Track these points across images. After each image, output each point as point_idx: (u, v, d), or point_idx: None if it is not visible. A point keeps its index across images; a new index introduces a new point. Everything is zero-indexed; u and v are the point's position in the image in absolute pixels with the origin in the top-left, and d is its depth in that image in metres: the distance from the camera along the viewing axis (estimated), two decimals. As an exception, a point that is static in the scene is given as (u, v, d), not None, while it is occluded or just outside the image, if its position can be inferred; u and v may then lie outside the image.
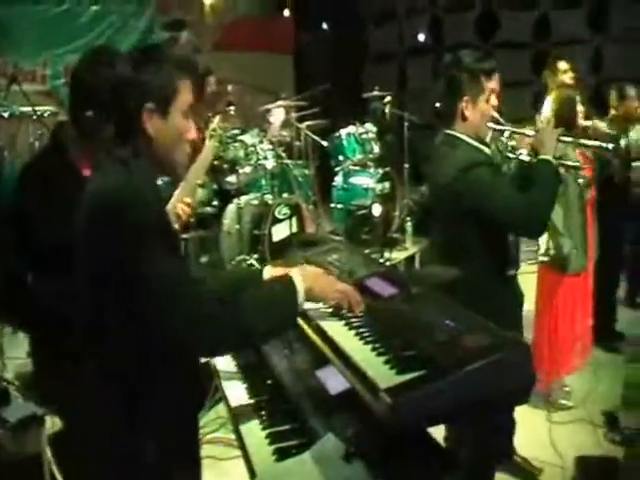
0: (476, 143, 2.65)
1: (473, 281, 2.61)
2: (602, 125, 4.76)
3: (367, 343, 1.80)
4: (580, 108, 3.93)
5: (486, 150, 2.68)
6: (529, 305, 4.03)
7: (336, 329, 1.90)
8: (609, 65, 9.36)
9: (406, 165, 6.75)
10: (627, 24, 9.29)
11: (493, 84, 2.93)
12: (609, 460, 2.95)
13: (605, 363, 4.57)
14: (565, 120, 3.82)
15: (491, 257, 2.67)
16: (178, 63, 1.74)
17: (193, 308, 1.62)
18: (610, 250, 4.80)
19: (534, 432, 3.61)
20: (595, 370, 4.24)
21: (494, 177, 2.56)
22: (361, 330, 1.87)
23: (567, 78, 5.00)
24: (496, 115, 2.73)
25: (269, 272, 2.01)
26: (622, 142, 4.74)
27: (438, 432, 2.73)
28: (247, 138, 5.72)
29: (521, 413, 3.84)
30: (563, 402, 4.04)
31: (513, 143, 2.93)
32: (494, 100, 2.90)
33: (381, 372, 1.63)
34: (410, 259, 6.17)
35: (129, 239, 1.55)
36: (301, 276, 1.82)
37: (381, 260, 5.20)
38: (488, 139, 2.80)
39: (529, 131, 2.72)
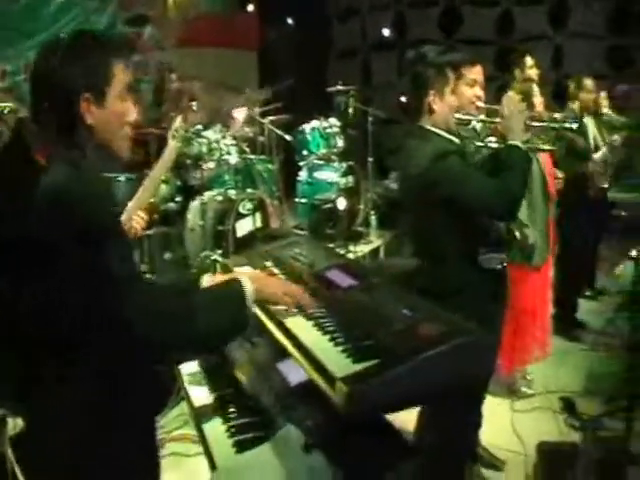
0: (445, 134, 2.69)
1: (446, 270, 2.68)
2: (556, 116, 4.81)
3: (325, 334, 1.80)
4: (538, 99, 3.99)
5: (455, 140, 2.71)
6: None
7: (294, 321, 1.90)
8: (569, 61, 9.49)
9: (370, 159, 6.77)
10: (586, 20, 9.44)
11: (474, 74, 2.97)
12: (568, 445, 3.01)
13: (566, 351, 4.66)
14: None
15: (464, 246, 2.69)
16: (109, 44, 1.68)
17: (146, 307, 1.58)
18: (574, 241, 4.89)
19: (497, 421, 3.65)
20: (556, 358, 4.31)
21: (465, 165, 2.60)
22: (319, 321, 1.88)
23: (533, 74, 5.07)
24: (481, 105, 2.76)
25: (207, 281, 1.96)
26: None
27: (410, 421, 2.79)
28: (210, 134, 5.69)
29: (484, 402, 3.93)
30: (525, 390, 4.10)
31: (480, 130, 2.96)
32: (478, 90, 2.94)
33: (338, 362, 1.64)
34: (375, 252, 6.21)
35: (78, 236, 1.50)
36: (251, 279, 1.79)
37: (342, 252, 5.21)
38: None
39: (497, 119, 2.75)
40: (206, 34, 8.98)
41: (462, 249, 2.69)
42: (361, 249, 6.04)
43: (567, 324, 5.00)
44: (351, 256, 5.49)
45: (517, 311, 3.96)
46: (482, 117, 2.80)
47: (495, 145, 2.82)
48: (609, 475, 2.93)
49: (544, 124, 2.77)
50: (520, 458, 3.35)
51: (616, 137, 5.53)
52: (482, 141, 2.88)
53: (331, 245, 5.58)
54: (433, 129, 2.68)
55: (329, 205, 6.04)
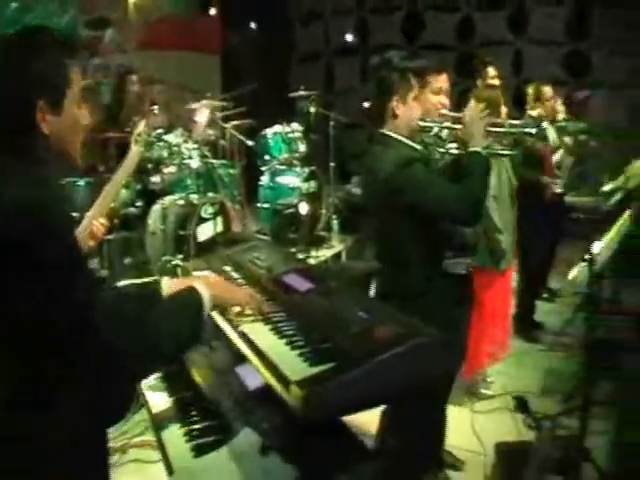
0: (408, 141, 2.71)
1: (410, 274, 2.71)
2: (520, 123, 4.90)
3: (282, 337, 1.82)
4: (504, 109, 4.05)
5: (417, 147, 2.74)
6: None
7: (252, 325, 1.92)
8: (529, 66, 9.64)
9: (332, 164, 6.80)
10: (545, 26, 9.60)
11: (440, 82, 3.01)
12: (523, 444, 3.07)
13: (525, 352, 4.73)
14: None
15: (428, 251, 2.73)
16: (65, 46, 1.55)
17: (104, 317, 1.54)
18: (532, 244, 4.98)
19: (457, 422, 3.69)
20: (515, 359, 4.38)
21: (428, 172, 2.63)
22: (277, 325, 1.89)
23: (495, 83, 5.14)
24: (446, 112, 2.80)
25: (168, 284, 1.95)
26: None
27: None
28: (171, 138, 5.66)
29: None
30: (485, 392, 4.15)
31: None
32: (443, 99, 2.98)
33: (294, 365, 1.65)
34: (337, 256, 6.23)
35: (30, 247, 1.43)
36: (204, 285, 1.78)
37: (304, 257, 5.23)
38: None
39: (458, 125, 2.79)
40: (168, 37, 8.92)
41: (426, 254, 2.72)
42: (323, 254, 6.06)
43: (526, 325, 5.09)
44: (313, 261, 5.51)
45: (482, 315, 4.02)
46: (444, 124, 2.84)
47: (456, 151, 2.87)
48: (565, 472, 2.99)
49: (505, 130, 2.82)
50: (479, 458, 3.40)
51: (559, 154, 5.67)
52: (444, 147, 2.92)
53: (293, 250, 5.60)
54: (395, 136, 2.70)
55: (291, 210, 6.04)
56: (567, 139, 5.58)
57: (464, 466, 3.41)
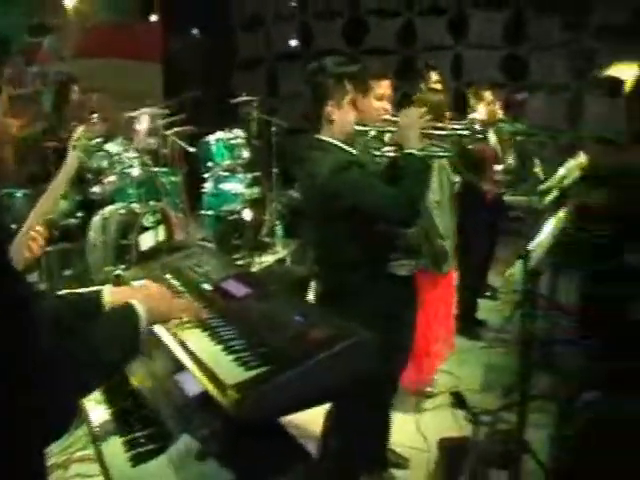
0: (343, 145, 2.74)
1: (350, 277, 2.73)
2: (461, 126, 4.99)
3: (218, 343, 1.83)
4: (447, 114, 4.13)
5: (353, 151, 2.77)
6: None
7: (189, 333, 1.93)
8: (469, 69, 9.83)
9: (275, 169, 6.81)
10: (484, 30, 9.81)
11: (382, 88, 3.05)
12: (461, 439, 3.13)
13: (467, 350, 4.83)
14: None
15: (369, 254, 2.76)
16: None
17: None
18: (474, 246, 5.08)
19: (402, 421, 3.75)
20: (458, 357, 4.47)
21: (364, 175, 2.66)
22: (214, 331, 1.91)
23: (438, 87, 5.23)
24: (389, 117, 2.84)
25: (109, 292, 1.93)
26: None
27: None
28: (111, 146, 5.60)
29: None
30: (429, 390, 4.22)
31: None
32: (386, 104, 3.02)
33: (230, 370, 1.67)
34: (281, 262, 6.24)
35: None
36: (142, 300, 1.76)
37: (247, 263, 5.24)
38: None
39: (393, 128, 2.84)
40: (108, 44, 8.80)
41: (366, 256, 2.76)
42: (267, 259, 6.07)
43: (468, 323, 5.19)
44: (257, 267, 5.52)
45: (427, 316, 4.08)
46: (379, 128, 2.89)
47: (392, 154, 2.91)
48: (507, 466, 3.07)
49: (439, 133, 2.88)
50: (424, 455, 3.46)
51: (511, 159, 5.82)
52: (381, 151, 2.96)
53: (237, 256, 5.60)
54: (331, 140, 2.72)
55: (235, 216, 6.04)
56: (503, 141, 5.72)
57: (409, 464, 3.47)
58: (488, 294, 6.05)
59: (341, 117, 2.71)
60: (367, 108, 3.11)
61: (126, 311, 1.73)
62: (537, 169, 5.93)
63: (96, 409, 2.28)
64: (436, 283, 4.04)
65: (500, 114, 5.86)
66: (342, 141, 2.74)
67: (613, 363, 3.71)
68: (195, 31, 11.13)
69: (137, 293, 1.89)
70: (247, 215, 5.98)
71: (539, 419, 3.73)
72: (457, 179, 4.56)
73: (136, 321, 1.71)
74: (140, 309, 1.72)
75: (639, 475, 2.74)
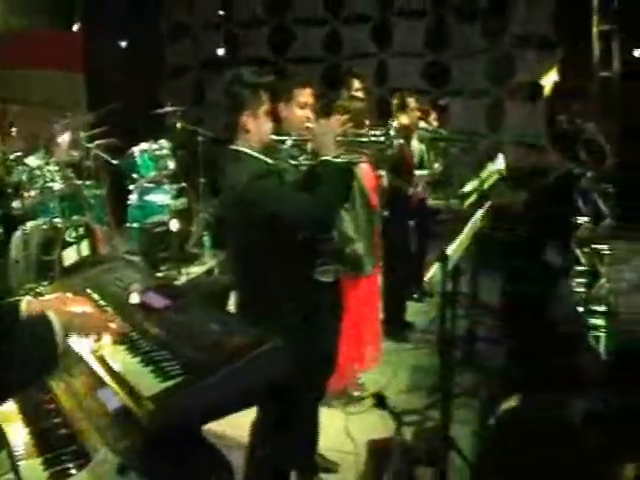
0: (259, 155, 2.75)
1: (272, 288, 2.74)
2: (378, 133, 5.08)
3: (136, 356, 1.85)
4: (366, 121, 4.19)
5: (269, 160, 2.79)
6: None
7: (107, 347, 1.93)
8: (393, 77, 10.00)
9: (202, 180, 6.76)
10: (407, 38, 10.00)
11: (305, 97, 3.08)
12: (389, 440, 3.20)
13: (394, 352, 4.92)
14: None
15: (288, 261, 2.77)
16: None
17: None
18: (397, 249, 5.18)
19: (331, 425, 3.80)
20: (386, 359, 4.54)
21: (279, 184, 2.69)
22: (132, 344, 1.92)
23: (360, 95, 5.29)
24: (311, 125, 2.87)
25: (27, 302, 1.91)
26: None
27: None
28: (32, 160, 5.49)
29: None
30: (357, 394, 4.28)
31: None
32: (308, 112, 3.05)
33: (147, 382, 1.69)
34: (209, 273, 6.20)
35: None
36: (59, 313, 1.75)
37: (166, 274, 5.21)
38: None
39: (309, 136, 2.88)
40: (27, 55, 8.58)
41: (287, 264, 2.77)
42: (194, 270, 6.04)
43: (396, 326, 5.27)
44: (184, 278, 5.48)
45: (350, 320, 4.13)
46: (297, 137, 2.93)
47: (309, 162, 2.96)
48: (433, 462, 3.15)
49: (352, 139, 2.94)
50: (353, 458, 3.50)
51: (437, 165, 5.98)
52: (297, 159, 3.00)
53: (163, 268, 5.56)
54: (246, 150, 2.73)
55: (162, 228, 5.98)
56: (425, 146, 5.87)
57: (338, 467, 3.51)
58: (416, 296, 6.17)
59: (257, 127, 2.72)
60: (290, 116, 3.16)
61: (39, 321, 1.73)
62: (460, 173, 6.13)
63: (15, 430, 2.25)
64: (354, 287, 4.07)
65: (422, 121, 6.00)
66: (258, 151, 2.75)
67: (530, 360, 3.86)
68: (120, 41, 10.97)
69: (55, 304, 1.88)
70: (174, 226, 5.94)
71: (465, 416, 3.85)
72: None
73: (50, 332, 1.69)
74: (55, 320, 1.71)
75: (556, 466, 2.87)
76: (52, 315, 1.74)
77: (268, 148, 2.84)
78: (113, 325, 1.93)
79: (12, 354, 1.61)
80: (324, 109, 4.28)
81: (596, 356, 4.57)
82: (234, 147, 2.75)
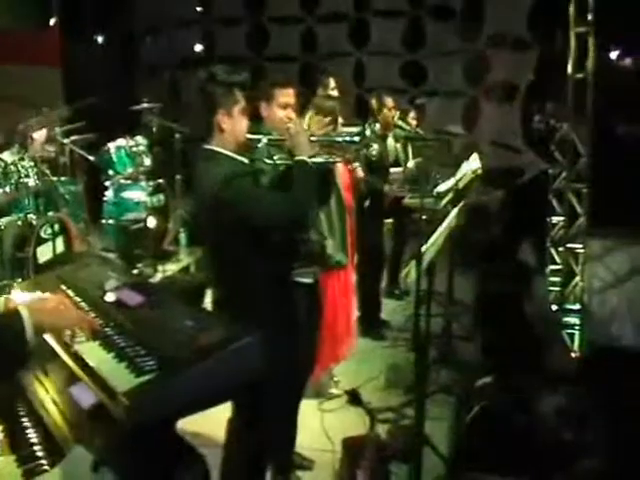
0: (233, 155, 2.72)
1: (248, 287, 2.73)
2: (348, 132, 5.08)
3: (110, 352, 1.85)
4: (340, 120, 4.20)
5: (244, 160, 2.78)
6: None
7: (81, 343, 1.93)
8: (370, 76, 10.03)
9: (178, 177, 6.72)
10: (384, 38, 10.03)
11: (285, 97, 3.08)
12: (361, 436, 3.22)
13: (370, 350, 4.95)
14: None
15: (264, 261, 2.76)
16: None
17: None
18: (372, 247, 5.20)
19: (307, 423, 3.80)
20: (362, 357, 4.56)
21: (254, 184, 2.68)
22: (106, 340, 1.91)
23: (335, 94, 5.30)
24: (292, 126, 2.88)
25: (7, 301, 1.90)
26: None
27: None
28: (6, 156, 5.42)
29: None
30: (333, 391, 4.29)
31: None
32: (290, 112, 3.04)
33: (121, 377, 1.69)
34: (185, 270, 6.18)
35: None
36: (30, 310, 1.73)
37: (142, 271, 5.18)
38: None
39: (284, 136, 2.87)
40: (2, 50, 8.48)
41: (263, 265, 2.76)
42: (171, 268, 6.00)
43: (372, 325, 5.30)
44: (160, 275, 5.46)
45: (323, 317, 4.14)
46: (273, 136, 2.93)
47: (285, 162, 2.96)
48: (405, 459, 3.18)
49: (327, 139, 2.95)
50: (329, 455, 3.51)
51: (412, 163, 6.00)
52: (272, 159, 2.99)
53: (139, 265, 5.53)
54: (221, 150, 2.70)
55: (139, 225, 5.95)
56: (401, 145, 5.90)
57: (314, 465, 3.53)
58: (397, 293, 6.21)
59: (232, 126, 2.68)
60: (271, 116, 3.16)
61: (10, 317, 1.71)
62: (436, 172, 6.16)
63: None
64: (325, 284, 4.06)
65: (398, 120, 6.01)
66: (233, 150, 2.72)
67: (504, 358, 3.91)
68: (97, 36, 10.88)
69: (27, 301, 1.87)
70: (151, 223, 5.91)
71: (440, 413, 3.88)
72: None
73: (21, 327, 1.68)
74: (26, 315, 1.70)
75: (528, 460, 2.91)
76: (23, 311, 1.73)
77: (243, 147, 2.81)
78: (86, 321, 1.93)
79: None
80: (299, 108, 4.30)
81: (569, 353, 4.64)
82: (208, 147, 2.71)
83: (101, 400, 1.73)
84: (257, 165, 2.91)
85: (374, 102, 5.69)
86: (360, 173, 4.94)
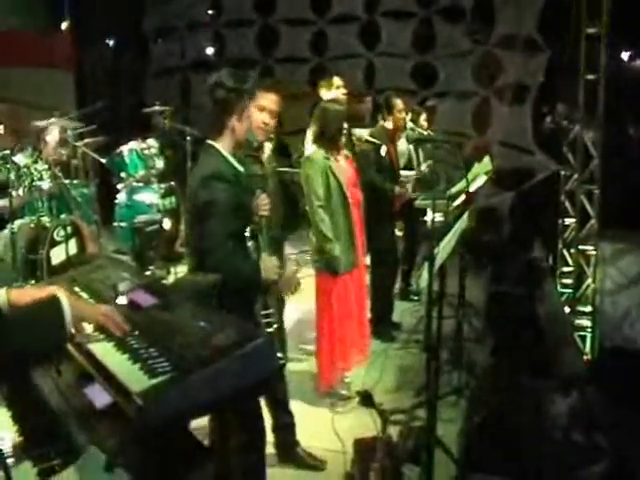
0: (228, 155, 2.78)
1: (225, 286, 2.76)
2: (365, 133, 5.11)
3: (124, 352, 1.86)
4: (345, 124, 4.21)
5: (235, 163, 2.80)
6: (311, 305, 4.28)
7: (96, 343, 1.94)
8: (380, 77, 10.02)
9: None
10: (394, 39, 10.03)
11: (265, 101, 3.10)
12: (373, 438, 3.22)
13: (382, 351, 4.94)
14: (329, 133, 4.10)
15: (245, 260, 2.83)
16: None
17: None
18: (383, 248, 5.20)
19: (319, 424, 3.83)
20: (373, 359, 4.57)
21: (229, 187, 2.69)
22: (120, 341, 1.92)
23: (339, 93, 5.30)
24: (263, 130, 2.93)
25: (6, 294, 1.92)
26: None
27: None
28: (20, 159, 5.47)
29: (306, 407, 4.09)
30: (344, 393, 4.29)
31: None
32: (267, 117, 3.07)
33: (135, 378, 1.70)
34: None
35: None
36: (68, 297, 1.80)
37: (154, 273, 5.21)
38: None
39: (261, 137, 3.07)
40: (15, 53, 8.54)
41: (243, 262, 2.82)
42: (183, 269, 6.01)
43: (383, 326, 5.29)
44: (173, 277, 5.48)
45: (333, 318, 4.15)
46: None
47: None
48: (417, 460, 3.18)
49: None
50: (340, 457, 3.51)
51: (425, 166, 6.00)
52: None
53: (152, 267, 5.55)
54: (219, 148, 2.77)
55: (154, 227, 5.98)
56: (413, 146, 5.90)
57: (326, 465, 3.54)
58: (409, 295, 6.22)
59: (242, 128, 2.78)
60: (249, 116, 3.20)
61: (51, 303, 1.77)
62: (448, 174, 6.17)
63: (3, 428, 2.25)
64: (334, 285, 4.09)
65: (408, 122, 6.01)
66: (233, 149, 2.80)
67: (516, 360, 3.90)
68: (108, 40, 10.94)
69: (43, 292, 1.90)
70: (167, 225, 5.95)
71: (452, 415, 3.88)
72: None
73: (61, 314, 1.75)
74: (64, 301, 1.77)
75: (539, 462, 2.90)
76: (62, 297, 1.78)
77: (240, 146, 2.89)
78: (117, 319, 1.95)
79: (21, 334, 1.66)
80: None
81: (581, 355, 4.63)
82: (211, 142, 2.79)
83: (115, 400, 1.74)
84: (248, 169, 2.96)
85: (384, 104, 5.68)
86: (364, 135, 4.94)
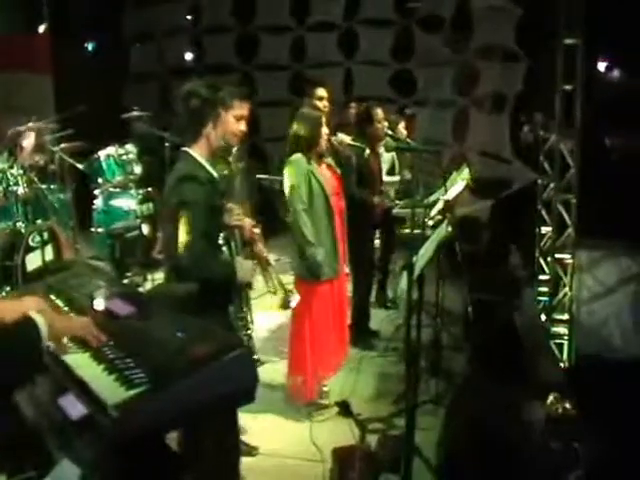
0: (203, 161, 2.84)
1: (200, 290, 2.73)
2: (347, 138, 5.09)
3: (100, 363, 1.83)
4: (325, 130, 4.20)
5: (209, 168, 2.86)
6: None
7: (71, 354, 1.91)
8: (359, 85, 10.04)
9: (168, 185, 6.70)
10: (372, 47, 10.06)
11: (241, 109, 3.12)
12: (351, 447, 3.22)
13: (360, 360, 4.94)
14: (308, 139, 4.10)
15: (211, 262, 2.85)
16: None
17: None
18: (362, 257, 5.20)
19: (296, 433, 3.80)
20: (351, 367, 4.56)
21: (203, 189, 2.74)
22: (96, 351, 1.90)
23: (321, 105, 5.27)
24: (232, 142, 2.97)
25: None
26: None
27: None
28: (-6, 164, 5.39)
29: (283, 415, 4.06)
30: (322, 402, 4.25)
31: None
32: (243, 125, 3.09)
33: (111, 390, 1.68)
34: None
35: None
36: (44, 316, 1.77)
37: (132, 280, 5.17)
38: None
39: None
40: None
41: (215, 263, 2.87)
42: (160, 276, 5.96)
43: (361, 334, 5.28)
44: (149, 284, 5.44)
45: (315, 326, 4.13)
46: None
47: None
48: (395, 469, 3.18)
49: None
50: (319, 466, 3.49)
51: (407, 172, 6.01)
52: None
53: (129, 274, 5.50)
54: (193, 153, 2.83)
55: (133, 233, 5.94)
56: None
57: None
58: (389, 305, 6.21)
59: (216, 136, 2.88)
60: (224, 125, 3.20)
61: (27, 324, 1.74)
62: (425, 183, 6.18)
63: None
64: (314, 292, 4.08)
65: (387, 130, 6.01)
66: (207, 156, 2.87)
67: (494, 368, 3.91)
68: (87, 44, 10.86)
69: (26, 305, 1.87)
70: (145, 230, 5.91)
71: (430, 423, 3.88)
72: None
73: (36, 334, 1.72)
74: (40, 321, 1.73)
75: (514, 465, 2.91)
76: (37, 317, 1.75)
77: (215, 152, 2.98)
78: (94, 331, 1.92)
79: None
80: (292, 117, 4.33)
81: (557, 363, 4.66)
82: (186, 149, 2.86)
83: (90, 412, 1.71)
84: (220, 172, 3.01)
85: (359, 113, 5.68)
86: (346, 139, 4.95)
